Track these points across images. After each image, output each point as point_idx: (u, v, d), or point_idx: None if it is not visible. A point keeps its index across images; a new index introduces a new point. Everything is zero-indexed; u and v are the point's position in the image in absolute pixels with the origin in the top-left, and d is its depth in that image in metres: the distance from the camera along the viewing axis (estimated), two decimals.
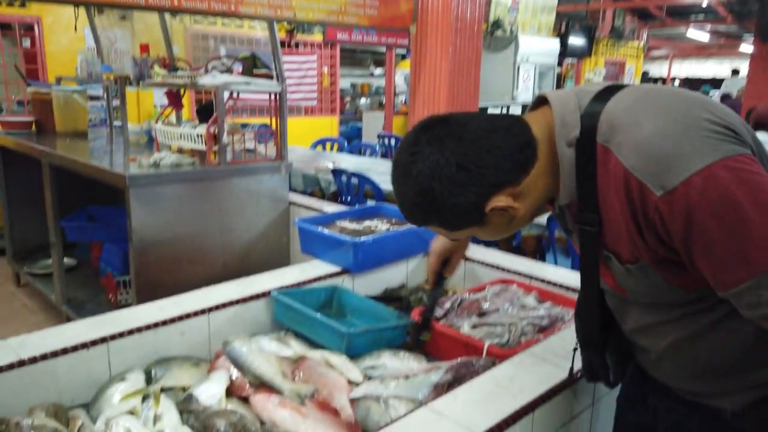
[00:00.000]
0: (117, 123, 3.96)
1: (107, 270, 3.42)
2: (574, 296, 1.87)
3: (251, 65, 2.84)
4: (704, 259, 0.81)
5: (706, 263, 0.81)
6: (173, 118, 3.27)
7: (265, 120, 4.16)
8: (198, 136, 2.79)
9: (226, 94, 2.68)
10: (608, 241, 0.93)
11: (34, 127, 4.01)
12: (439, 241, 1.44)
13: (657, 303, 0.97)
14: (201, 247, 2.74)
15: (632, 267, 0.91)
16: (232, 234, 2.84)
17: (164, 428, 1.28)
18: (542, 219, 2.98)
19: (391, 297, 2.07)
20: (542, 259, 3.22)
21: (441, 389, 1.37)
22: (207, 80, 2.69)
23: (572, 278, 1.93)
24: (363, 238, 1.94)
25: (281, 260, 2.98)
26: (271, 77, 2.86)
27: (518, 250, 3.58)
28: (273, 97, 2.90)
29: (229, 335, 1.64)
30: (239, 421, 1.23)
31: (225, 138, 2.69)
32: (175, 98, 3.16)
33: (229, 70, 2.90)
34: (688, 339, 0.95)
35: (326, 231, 2.07)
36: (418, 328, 1.57)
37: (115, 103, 4.84)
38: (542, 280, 1.95)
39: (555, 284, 1.91)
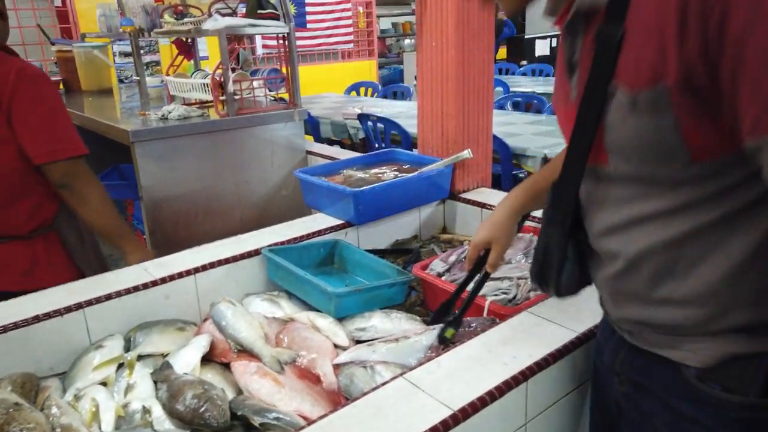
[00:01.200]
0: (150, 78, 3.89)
1: (138, 228, 3.44)
2: None
3: (255, 5, 2.66)
4: (756, 76, 0.60)
5: (754, 85, 0.61)
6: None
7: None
8: (205, 85, 2.66)
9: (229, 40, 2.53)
10: (622, 64, 0.73)
11: (62, 86, 4.01)
12: (480, 231, 1.28)
13: (644, 178, 0.77)
14: (216, 201, 2.67)
15: (644, 95, 0.70)
16: (247, 187, 2.74)
17: (133, 399, 1.21)
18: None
19: (400, 249, 1.92)
20: None
21: (436, 353, 1.23)
22: (209, 25, 2.53)
23: None
24: (363, 188, 1.78)
25: (301, 212, 2.87)
26: (277, 17, 2.67)
27: None
28: (280, 38, 2.72)
29: (219, 297, 1.55)
30: (204, 393, 1.14)
31: (231, 86, 2.55)
32: (184, 47, 3.03)
33: (234, 13, 2.73)
34: (669, 243, 0.77)
35: (324, 181, 1.92)
36: (436, 316, 1.37)
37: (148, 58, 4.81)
38: None
39: None
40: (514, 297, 1.43)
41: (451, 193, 2.07)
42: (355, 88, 6.09)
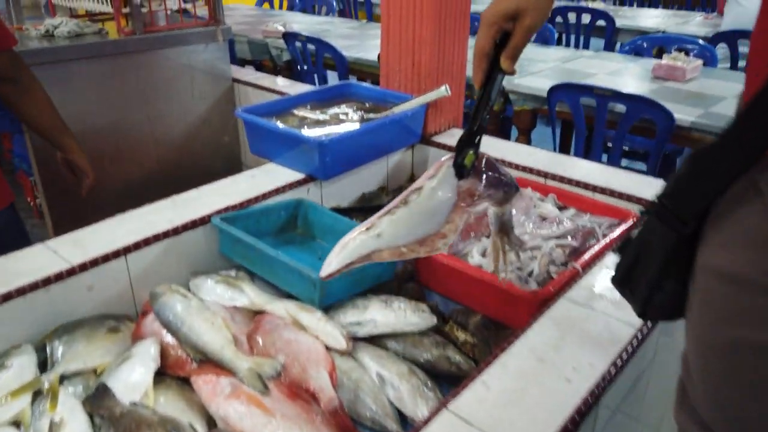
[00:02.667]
0: None
1: (21, 167, 2.86)
2: (603, 199, 1.49)
3: None
4: None
5: None
6: None
7: None
8: None
9: None
10: None
11: None
12: (493, 5, 0.84)
13: None
14: (125, 142, 2.20)
15: None
16: (163, 123, 2.29)
17: None
18: (541, 88, 2.51)
19: (369, 207, 1.64)
20: (529, 142, 2.80)
21: (465, 203, 0.89)
22: None
23: (598, 174, 1.52)
24: (331, 137, 1.45)
25: (230, 153, 2.47)
26: None
27: (507, 126, 3.14)
28: None
29: (159, 283, 1.21)
30: None
31: None
32: None
33: None
34: None
35: (280, 126, 1.56)
36: (460, 146, 0.89)
37: None
38: (561, 179, 1.54)
39: (577, 183, 1.51)
40: (532, 273, 1.21)
41: (421, 136, 1.79)
42: None
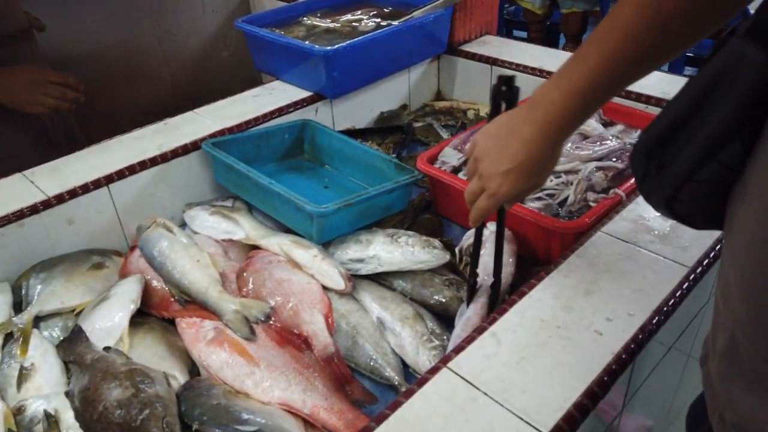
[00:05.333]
0: None
1: None
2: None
3: None
4: None
5: None
6: None
7: None
8: None
9: None
10: None
11: None
12: (516, 191, 0.70)
13: None
14: (135, 61, 2.06)
15: None
16: (174, 40, 2.13)
17: (30, 398, 0.80)
18: None
19: (387, 128, 1.46)
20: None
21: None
22: None
23: (654, 82, 1.29)
24: (338, 46, 1.27)
25: (248, 71, 2.30)
26: None
27: (553, 33, 2.82)
28: None
29: (148, 215, 1.10)
30: (136, 396, 0.74)
31: None
32: None
33: None
34: None
35: (281, 36, 1.38)
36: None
37: None
38: None
39: (628, 94, 1.28)
40: (565, 201, 1.04)
41: (448, 45, 1.57)
42: None
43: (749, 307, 0.44)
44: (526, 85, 1.47)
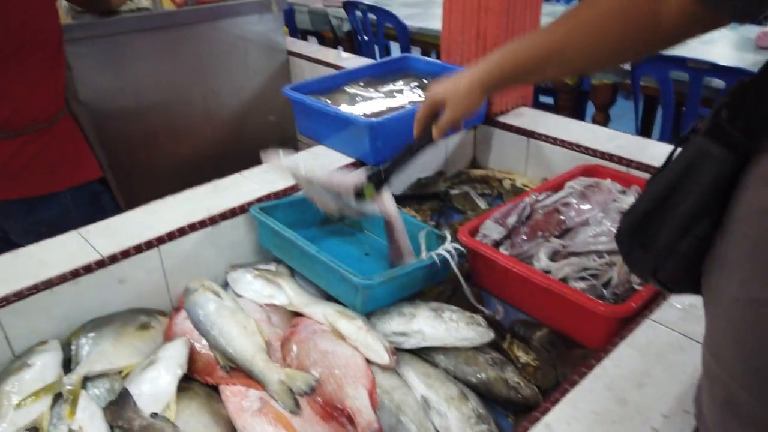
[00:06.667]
0: None
1: None
2: None
3: None
4: None
5: None
6: None
7: None
8: None
9: None
10: None
11: None
12: (437, 86, 0.97)
13: None
14: (178, 118, 2.14)
15: None
16: (217, 99, 2.21)
17: None
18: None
19: (424, 195, 1.49)
20: (606, 120, 2.54)
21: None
22: None
23: None
24: (382, 118, 1.31)
25: (285, 132, 2.37)
26: None
27: (582, 101, 2.88)
28: None
29: (195, 275, 1.13)
30: None
31: None
32: None
33: None
34: None
35: (327, 106, 1.43)
36: (368, 177, 1.08)
37: None
38: (647, 168, 1.34)
39: None
40: (609, 283, 1.04)
41: (485, 116, 1.62)
42: None
43: (746, 362, 0.48)
44: (563, 159, 1.51)
